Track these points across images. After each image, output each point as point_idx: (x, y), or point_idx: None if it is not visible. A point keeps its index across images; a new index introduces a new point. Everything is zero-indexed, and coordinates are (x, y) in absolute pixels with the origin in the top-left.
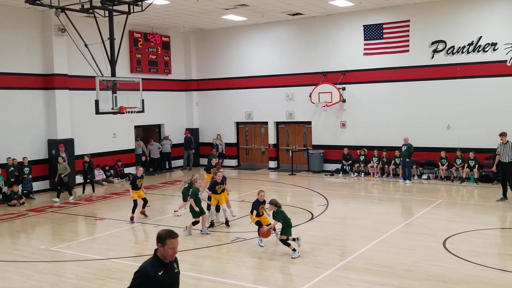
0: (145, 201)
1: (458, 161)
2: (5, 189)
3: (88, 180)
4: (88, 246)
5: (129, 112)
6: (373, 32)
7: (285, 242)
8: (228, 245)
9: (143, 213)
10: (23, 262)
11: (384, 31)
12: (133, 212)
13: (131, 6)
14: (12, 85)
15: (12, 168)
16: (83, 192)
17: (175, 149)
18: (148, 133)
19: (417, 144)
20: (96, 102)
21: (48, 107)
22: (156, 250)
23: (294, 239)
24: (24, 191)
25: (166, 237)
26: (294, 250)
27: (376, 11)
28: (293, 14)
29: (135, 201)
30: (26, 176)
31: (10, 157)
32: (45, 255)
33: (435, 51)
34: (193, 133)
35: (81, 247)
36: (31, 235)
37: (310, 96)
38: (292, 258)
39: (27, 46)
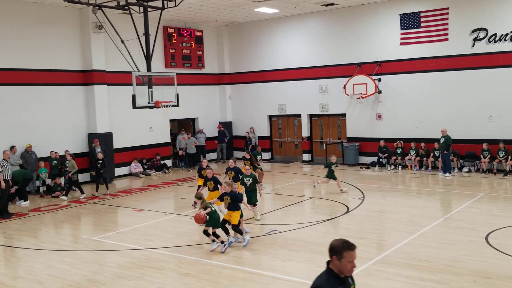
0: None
1: (501, 154)
2: (48, 181)
3: (102, 179)
4: (128, 236)
5: (164, 106)
6: (410, 20)
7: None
8: (263, 237)
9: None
10: (67, 251)
11: (422, 19)
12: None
13: (165, 2)
14: (53, 82)
15: (55, 162)
16: (97, 191)
17: (208, 142)
18: (182, 127)
19: (457, 136)
20: (133, 97)
21: (87, 102)
22: (329, 263)
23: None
24: (66, 184)
25: (343, 249)
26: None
27: None
28: (327, 5)
29: (199, 186)
30: (67, 169)
31: (53, 151)
32: (88, 245)
33: (476, 39)
34: (226, 126)
35: (121, 237)
36: (74, 226)
37: (344, 88)
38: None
39: (66, 44)
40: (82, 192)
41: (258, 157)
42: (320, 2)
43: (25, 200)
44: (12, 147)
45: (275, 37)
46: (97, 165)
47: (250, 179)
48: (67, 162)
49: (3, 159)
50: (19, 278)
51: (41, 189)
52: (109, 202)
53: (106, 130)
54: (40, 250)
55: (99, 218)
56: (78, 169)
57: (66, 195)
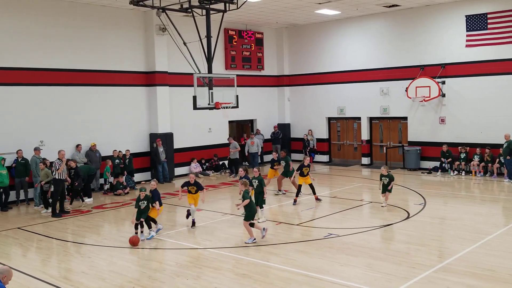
0: (311, 187)
1: None
2: (111, 179)
3: (78, 190)
4: (187, 235)
5: (224, 107)
6: (476, 22)
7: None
8: (320, 240)
9: (316, 198)
10: (128, 248)
11: (489, 21)
12: (296, 195)
13: (227, 4)
14: (117, 82)
15: (117, 161)
16: (71, 204)
17: (266, 144)
18: (241, 129)
19: None
20: (194, 98)
21: (149, 102)
22: None
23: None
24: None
25: None
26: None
27: (479, 0)
28: (389, 6)
29: (299, 186)
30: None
31: (116, 150)
32: (148, 243)
33: None
34: (284, 128)
35: (180, 236)
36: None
37: (406, 90)
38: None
39: (131, 45)
40: (82, 200)
41: (253, 180)
42: (382, 3)
43: (89, 197)
44: (78, 146)
45: (335, 38)
46: (70, 174)
47: (257, 181)
48: (40, 171)
49: (58, 158)
50: (82, 274)
51: (105, 187)
52: (169, 201)
53: (167, 130)
54: (102, 246)
55: (159, 216)
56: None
57: (46, 208)
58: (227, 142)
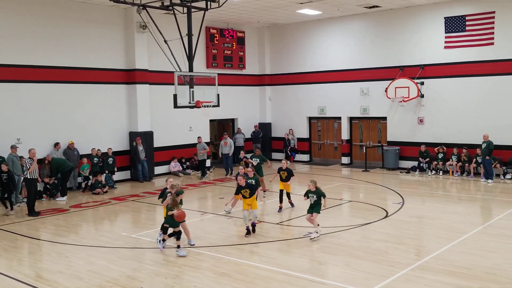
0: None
1: None
2: (90, 178)
3: (8, 196)
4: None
5: (205, 106)
6: (455, 24)
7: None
8: (300, 239)
9: (290, 202)
10: (106, 247)
11: (467, 23)
12: (280, 202)
13: (209, 3)
14: (96, 80)
15: (96, 159)
16: (12, 209)
17: (246, 143)
18: (222, 128)
19: (501, 142)
20: (175, 96)
21: (129, 100)
22: None
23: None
24: (109, 181)
25: None
26: None
27: (458, 2)
28: (370, 7)
29: (280, 191)
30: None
31: (94, 148)
32: (127, 242)
33: None
34: (265, 127)
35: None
36: (114, 222)
37: (386, 91)
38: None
39: (111, 43)
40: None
41: (253, 159)
42: (363, 4)
43: (63, 195)
44: (56, 144)
45: (316, 38)
46: (1, 178)
47: (253, 181)
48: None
49: (29, 157)
50: (59, 273)
51: (82, 185)
52: (149, 200)
53: (147, 128)
54: (80, 246)
55: (138, 215)
56: (118, 167)
57: (6, 207)
58: (212, 141)
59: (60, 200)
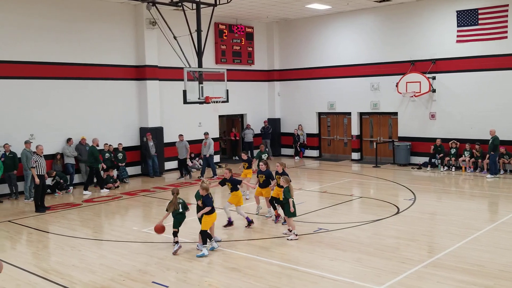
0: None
1: None
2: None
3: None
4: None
5: (214, 102)
6: (467, 17)
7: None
8: (310, 235)
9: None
10: (118, 241)
11: (480, 16)
12: (274, 209)
13: None
14: (107, 76)
15: (107, 154)
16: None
17: (256, 138)
18: (232, 123)
19: None
20: (184, 92)
21: (140, 96)
22: None
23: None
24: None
25: None
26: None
27: None
28: (380, 1)
29: (272, 198)
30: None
31: (106, 143)
32: (138, 236)
33: None
34: (274, 123)
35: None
36: (125, 217)
37: (397, 86)
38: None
39: (121, 39)
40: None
41: (263, 156)
42: None
43: (102, 188)
44: (69, 140)
45: (326, 33)
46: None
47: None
48: None
49: (37, 154)
50: (72, 267)
51: (94, 180)
52: (159, 195)
53: (157, 124)
54: (92, 240)
55: (149, 210)
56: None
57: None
58: (221, 136)
59: (86, 193)
